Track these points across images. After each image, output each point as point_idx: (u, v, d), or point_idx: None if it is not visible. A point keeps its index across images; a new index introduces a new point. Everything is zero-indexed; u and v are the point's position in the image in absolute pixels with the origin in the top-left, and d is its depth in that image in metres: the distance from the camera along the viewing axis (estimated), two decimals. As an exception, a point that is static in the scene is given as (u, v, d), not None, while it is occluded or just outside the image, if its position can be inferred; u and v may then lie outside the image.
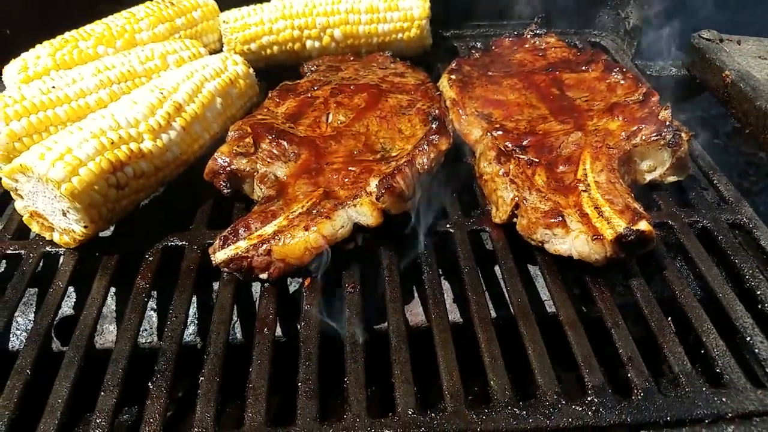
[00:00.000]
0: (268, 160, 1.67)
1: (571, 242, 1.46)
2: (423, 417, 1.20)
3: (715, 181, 1.80)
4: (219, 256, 1.44)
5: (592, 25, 2.51)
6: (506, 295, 1.48)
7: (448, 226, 1.65)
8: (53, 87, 1.71)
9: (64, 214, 1.48)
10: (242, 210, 1.72)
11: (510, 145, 1.71)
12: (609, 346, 1.37)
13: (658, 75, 2.26)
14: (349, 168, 1.64)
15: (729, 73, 2.03)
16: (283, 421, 1.22)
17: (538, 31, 2.23)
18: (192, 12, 2.17)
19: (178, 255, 1.58)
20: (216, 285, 1.52)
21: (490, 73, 2.06)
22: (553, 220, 1.48)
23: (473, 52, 2.21)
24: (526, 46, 2.22)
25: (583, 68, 2.03)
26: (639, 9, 2.28)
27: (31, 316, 1.61)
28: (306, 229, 1.46)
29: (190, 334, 1.64)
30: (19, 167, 1.43)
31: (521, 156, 1.67)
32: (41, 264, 1.57)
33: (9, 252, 1.58)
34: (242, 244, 1.45)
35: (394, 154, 1.72)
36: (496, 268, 1.62)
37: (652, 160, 1.72)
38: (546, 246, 1.51)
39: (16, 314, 1.51)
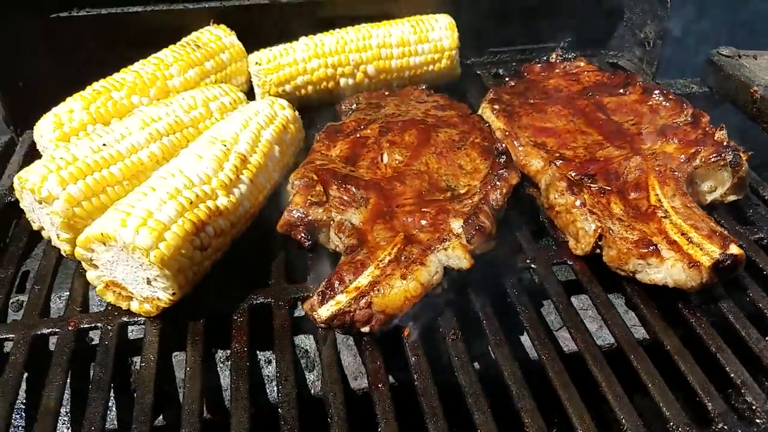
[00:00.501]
0: (341, 207, 1.63)
1: (667, 271, 1.47)
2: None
3: (766, 197, 1.86)
4: (322, 313, 1.39)
5: (608, 45, 2.57)
6: (607, 328, 1.48)
7: (528, 261, 1.64)
8: (104, 144, 1.62)
9: (149, 283, 1.40)
10: (316, 261, 1.66)
11: (574, 174, 1.72)
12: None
13: (681, 93, 2.32)
14: (423, 210, 1.62)
15: (757, 89, 2.11)
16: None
17: (567, 56, 2.26)
18: (220, 54, 2.11)
19: (266, 313, 1.52)
20: (302, 340, 1.47)
21: (531, 101, 2.07)
22: (646, 250, 1.49)
23: (507, 80, 2.22)
24: (557, 71, 2.25)
25: (621, 91, 2.07)
26: (657, 27, 2.34)
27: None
28: (404, 278, 1.43)
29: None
30: (98, 236, 1.35)
31: (592, 185, 1.68)
32: (122, 336, 1.48)
33: (85, 326, 1.48)
34: (342, 299, 1.40)
35: (462, 191, 1.71)
36: (578, 299, 1.63)
37: (713, 180, 1.76)
38: (638, 276, 1.52)
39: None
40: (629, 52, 2.56)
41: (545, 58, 2.32)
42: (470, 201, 1.62)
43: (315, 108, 2.21)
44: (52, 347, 1.49)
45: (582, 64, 2.25)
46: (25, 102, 2.14)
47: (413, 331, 1.45)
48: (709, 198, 1.78)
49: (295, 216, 1.59)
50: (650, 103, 2.00)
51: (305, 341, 1.57)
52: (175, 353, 1.55)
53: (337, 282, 1.44)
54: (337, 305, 1.40)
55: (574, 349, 1.50)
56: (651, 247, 1.49)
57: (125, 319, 1.49)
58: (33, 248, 1.81)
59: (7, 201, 1.87)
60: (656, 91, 2.01)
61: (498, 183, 1.65)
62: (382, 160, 1.82)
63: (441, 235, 1.53)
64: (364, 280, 1.44)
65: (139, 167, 1.65)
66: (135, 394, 1.32)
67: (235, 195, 1.57)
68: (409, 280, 1.42)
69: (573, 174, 1.72)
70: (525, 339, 1.54)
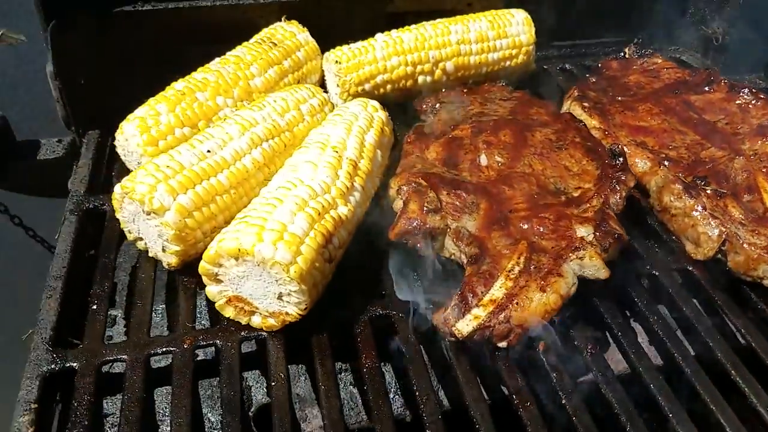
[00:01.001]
0: (456, 213, 1.57)
1: (800, 275, 1.45)
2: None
3: None
4: (462, 328, 1.34)
5: (671, 41, 2.53)
6: (740, 337, 1.46)
7: (648, 267, 1.61)
8: (208, 151, 1.54)
9: (279, 297, 1.34)
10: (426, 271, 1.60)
11: (685, 177, 1.69)
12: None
13: (752, 89, 2.29)
14: (540, 215, 1.57)
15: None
16: None
17: (644, 52, 2.22)
18: (296, 52, 2.02)
19: (387, 324, 1.46)
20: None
21: (618, 98, 2.03)
22: (778, 256, 1.46)
23: (588, 76, 2.18)
24: (635, 67, 2.22)
25: (705, 89, 2.04)
26: (724, 24, 2.32)
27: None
28: (542, 290, 1.38)
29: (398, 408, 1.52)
30: (233, 251, 1.28)
31: (707, 188, 1.65)
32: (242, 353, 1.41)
33: (202, 343, 1.41)
34: (480, 312, 1.36)
35: (575, 194, 1.66)
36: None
37: (818, 179, 1.75)
38: (766, 282, 1.50)
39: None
40: (693, 48, 2.53)
41: (622, 54, 2.28)
42: (590, 205, 1.58)
43: (388, 106, 2.14)
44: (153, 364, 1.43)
45: (659, 60, 2.22)
46: (86, 101, 2.04)
47: (549, 345, 1.41)
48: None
49: (414, 224, 1.52)
50: (738, 101, 1.98)
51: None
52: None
53: (470, 294, 1.39)
54: (476, 320, 1.35)
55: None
56: (784, 253, 1.47)
57: (244, 333, 1.43)
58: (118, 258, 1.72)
59: (85, 208, 1.78)
60: (744, 90, 1.99)
61: (616, 186, 1.61)
62: (480, 162, 1.77)
63: (569, 243, 1.49)
64: (497, 292, 1.39)
65: (244, 174, 1.57)
66: (273, 416, 1.26)
67: (351, 203, 1.51)
68: (549, 292, 1.38)
69: (683, 176, 1.69)
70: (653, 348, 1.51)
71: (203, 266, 1.34)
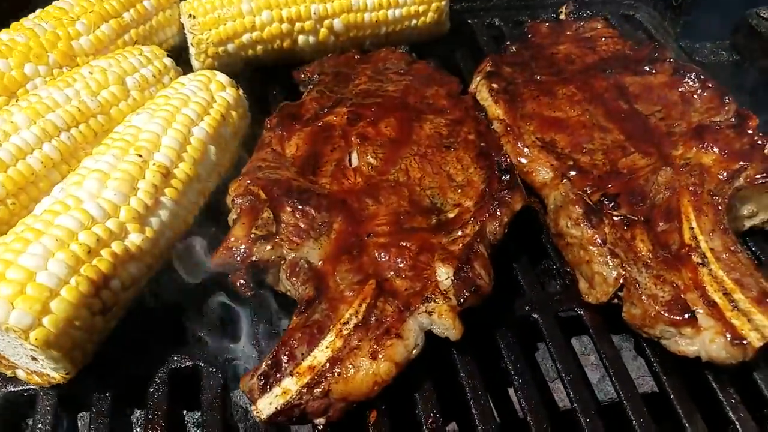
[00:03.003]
0: (296, 239, 1.26)
1: (704, 345, 1.17)
2: None
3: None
4: (263, 408, 1.07)
5: (625, -7, 2.12)
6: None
7: (528, 308, 1.32)
8: (-26, 148, 1.20)
9: (34, 359, 1.05)
10: (257, 303, 1.31)
11: (591, 192, 1.38)
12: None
13: (707, 62, 1.93)
14: (401, 243, 1.27)
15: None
16: None
17: (582, 13, 1.83)
18: (143, 1, 1.63)
19: (193, 379, 1.19)
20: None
21: (537, 77, 1.67)
22: (680, 318, 1.18)
23: (509, 44, 1.80)
24: (569, 33, 1.83)
25: (647, 68, 1.68)
26: (686, -22, 1.91)
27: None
28: (373, 357, 1.10)
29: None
30: (-44, 309, 0.98)
31: (614, 213, 1.33)
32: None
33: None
34: (291, 386, 1.08)
35: (451, 214, 1.35)
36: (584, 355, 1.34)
37: (755, 204, 1.44)
38: (664, 342, 1.23)
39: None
40: (649, 3, 2.12)
41: (556, 14, 1.88)
42: (461, 233, 1.27)
43: (271, 71, 1.78)
44: None
45: (599, 26, 1.83)
46: None
47: (382, 416, 1.15)
48: (747, 224, 1.47)
49: (237, 256, 1.22)
50: (682, 89, 1.62)
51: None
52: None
53: (285, 358, 1.11)
54: (283, 396, 1.07)
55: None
56: (686, 315, 1.18)
57: (13, 389, 1.15)
58: None
59: None
60: (691, 75, 1.62)
61: (498, 210, 1.30)
62: (350, 163, 1.44)
63: (424, 287, 1.19)
64: (320, 355, 1.11)
65: (29, 178, 1.24)
66: None
67: (153, 227, 1.19)
68: (381, 360, 1.10)
69: (590, 192, 1.38)
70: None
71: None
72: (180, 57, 1.67)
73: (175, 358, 1.21)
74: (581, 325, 1.32)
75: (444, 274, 1.20)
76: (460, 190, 1.39)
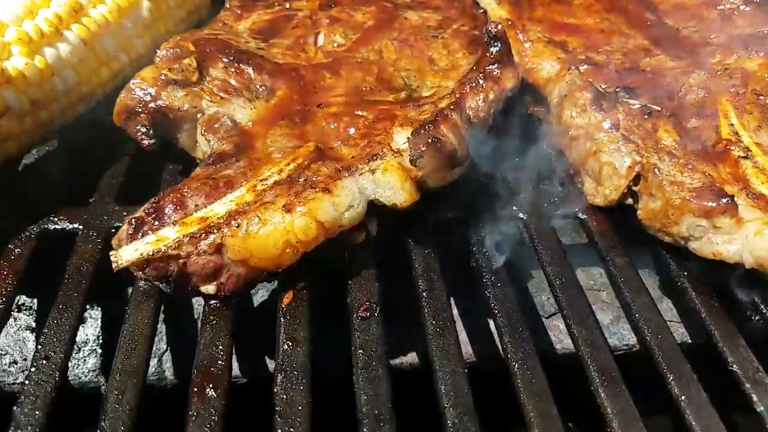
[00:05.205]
0: (222, 94, 1.01)
1: (747, 241, 0.85)
2: None
3: None
4: (125, 253, 0.78)
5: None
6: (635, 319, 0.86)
7: (516, 209, 1.01)
8: None
9: None
10: (177, 177, 1.05)
11: (605, 87, 1.09)
12: None
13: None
14: (357, 112, 1.00)
15: None
16: None
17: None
18: None
19: (66, 245, 0.92)
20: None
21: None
22: (714, 204, 0.86)
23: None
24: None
25: (680, -13, 1.41)
26: None
27: None
28: (288, 209, 0.81)
29: (88, 371, 0.98)
30: None
31: (632, 101, 1.05)
32: None
33: None
34: (169, 233, 0.79)
35: (426, 93, 1.09)
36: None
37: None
38: (693, 245, 0.91)
39: None
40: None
41: None
42: (433, 107, 1.00)
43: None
44: None
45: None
46: None
47: (300, 298, 0.84)
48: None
49: (137, 96, 0.97)
50: (722, 6, 1.35)
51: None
52: None
53: (171, 207, 0.83)
54: (155, 244, 0.78)
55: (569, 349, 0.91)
56: (724, 200, 0.86)
57: None
58: None
59: None
60: (733, -9, 1.35)
61: (482, 83, 1.02)
62: (315, 42, 1.20)
63: (372, 150, 0.91)
64: (220, 208, 0.83)
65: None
66: None
67: (46, 58, 0.95)
68: (297, 213, 0.81)
69: (603, 86, 1.09)
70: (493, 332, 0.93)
71: None
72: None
73: (52, 218, 0.94)
74: (584, 232, 1.01)
75: (402, 138, 0.92)
76: (441, 74, 1.13)
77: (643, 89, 1.09)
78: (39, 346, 0.78)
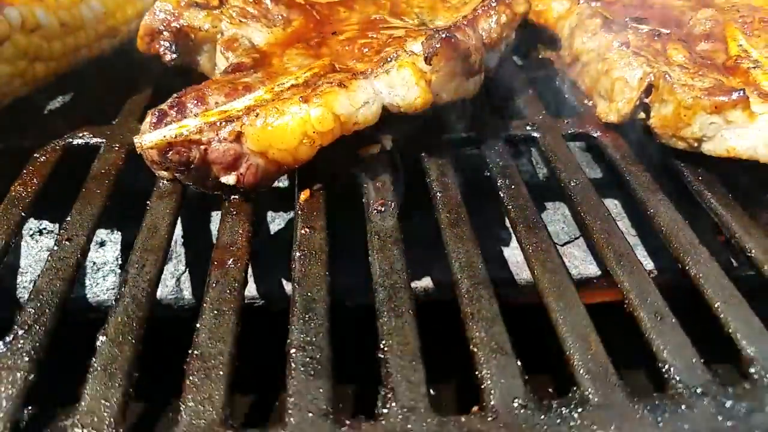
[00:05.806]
0: (241, 18, 1.04)
1: (760, 134, 0.85)
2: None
3: None
4: (148, 138, 0.80)
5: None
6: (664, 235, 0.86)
7: (529, 128, 1.03)
8: None
9: None
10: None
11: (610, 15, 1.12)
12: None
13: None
14: (370, 34, 1.03)
15: None
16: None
17: None
18: None
19: (90, 156, 0.94)
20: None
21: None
22: (725, 98, 0.87)
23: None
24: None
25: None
26: None
27: None
28: (305, 101, 0.83)
29: (107, 290, 0.99)
30: None
31: (640, 26, 1.07)
32: None
33: None
34: (191, 123, 0.82)
35: (438, 23, 1.11)
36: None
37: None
38: (706, 146, 0.91)
39: None
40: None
41: None
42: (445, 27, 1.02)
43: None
44: None
45: None
46: None
47: (317, 196, 0.86)
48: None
49: (160, 17, 1.00)
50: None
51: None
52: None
53: (193, 101, 0.85)
54: (179, 130, 0.81)
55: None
56: (735, 94, 0.87)
57: None
58: None
59: None
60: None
61: (495, 5, 1.05)
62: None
63: (387, 55, 0.94)
64: (239, 104, 0.85)
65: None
66: None
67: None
68: (314, 104, 0.83)
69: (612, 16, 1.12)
70: (511, 253, 0.94)
71: None
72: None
73: (76, 133, 0.97)
74: (597, 152, 1.02)
75: (417, 46, 0.94)
76: (453, 10, 1.16)
77: (652, 22, 1.11)
78: (62, 231, 0.80)
